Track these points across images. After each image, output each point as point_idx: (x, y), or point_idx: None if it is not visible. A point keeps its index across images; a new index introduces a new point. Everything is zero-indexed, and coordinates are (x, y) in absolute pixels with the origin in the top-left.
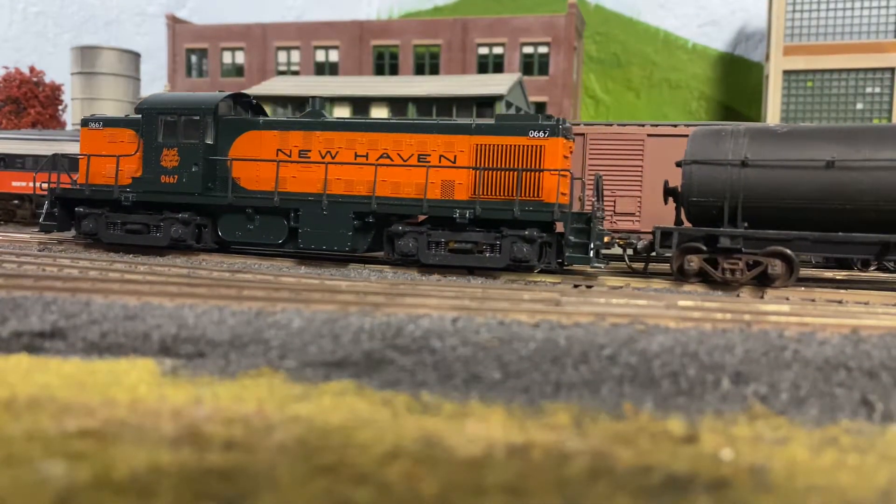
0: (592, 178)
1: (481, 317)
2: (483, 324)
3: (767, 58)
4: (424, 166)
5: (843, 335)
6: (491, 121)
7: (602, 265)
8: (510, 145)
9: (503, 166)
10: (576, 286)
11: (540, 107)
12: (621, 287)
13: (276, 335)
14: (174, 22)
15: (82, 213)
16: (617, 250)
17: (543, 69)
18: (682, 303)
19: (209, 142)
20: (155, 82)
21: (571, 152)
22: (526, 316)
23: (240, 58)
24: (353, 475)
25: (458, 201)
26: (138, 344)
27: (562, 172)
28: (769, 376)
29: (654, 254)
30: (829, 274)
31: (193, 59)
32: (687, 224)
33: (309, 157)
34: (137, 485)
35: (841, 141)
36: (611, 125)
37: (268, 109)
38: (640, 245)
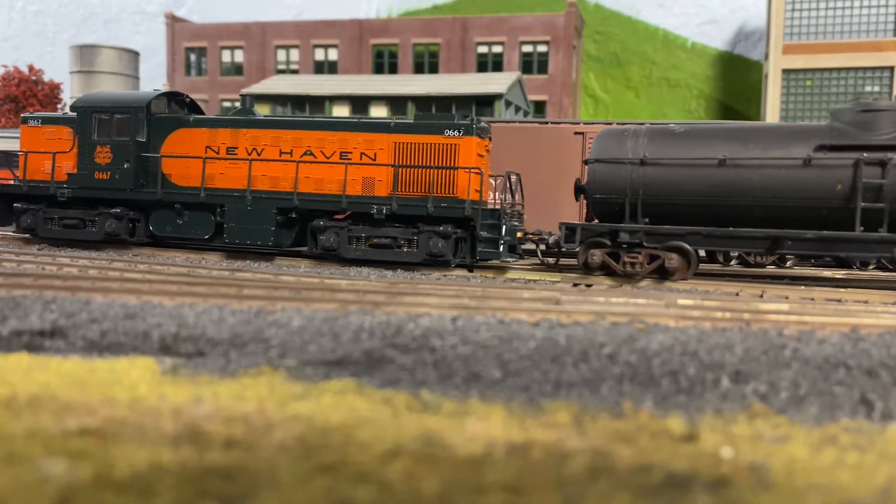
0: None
1: (481, 315)
2: (483, 322)
3: (767, 56)
4: (344, 163)
5: (843, 334)
6: (410, 120)
7: (513, 259)
8: (427, 144)
9: (420, 164)
10: (575, 285)
11: (539, 105)
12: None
13: (276, 334)
14: (173, 20)
15: (21, 208)
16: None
17: (543, 68)
18: (681, 301)
19: (141, 139)
20: (154, 81)
21: (488, 151)
22: (526, 315)
23: (239, 56)
24: (353, 474)
25: (377, 198)
26: (138, 343)
27: (473, 170)
28: (769, 375)
29: (563, 249)
30: (827, 273)
31: (192, 57)
32: (595, 220)
33: (236, 154)
34: (139, 483)
35: (732, 140)
36: (610, 124)
37: (267, 108)
38: (551, 240)
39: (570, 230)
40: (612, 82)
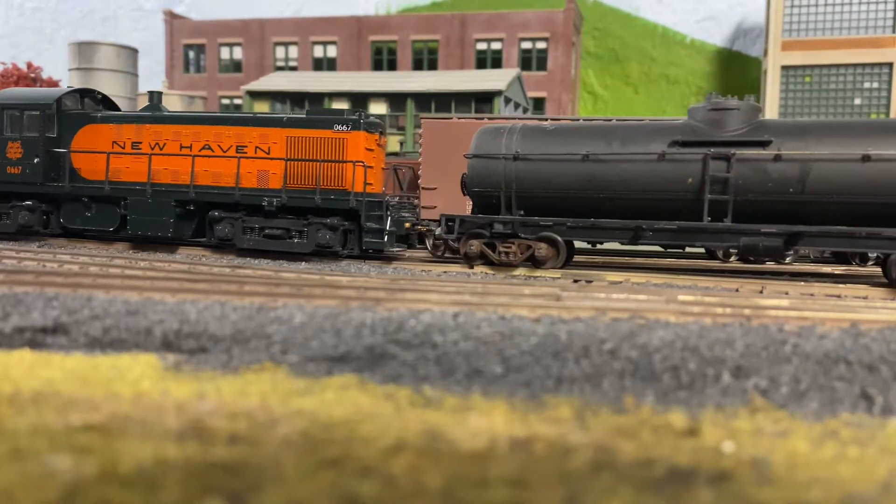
0: None
1: (482, 312)
2: (484, 318)
3: (766, 53)
4: (237, 157)
5: (843, 329)
6: (302, 115)
7: (399, 249)
8: (317, 138)
9: (310, 157)
10: (575, 281)
11: (538, 102)
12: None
13: (279, 330)
14: (172, 17)
15: None
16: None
17: (542, 64)
18: (682, 297)
19: (51, 135)
20: (152, 78)
21: (379, 145)
22: (527, 311)
23: (237, 53)
24: (357, 468)
25: (271, 190)
26: (140, 339)
27: (357, 163)
28: (769, 370)
29: (448, 239)
30: (827, 269)
31: (191, 54)
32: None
33: (140, 149)
34: (144, 478)
35: (596, 137)
36: (610, 120)
37: (266, 105)
38: (438, 231)
39: (449, 221)
40: (611, 79)
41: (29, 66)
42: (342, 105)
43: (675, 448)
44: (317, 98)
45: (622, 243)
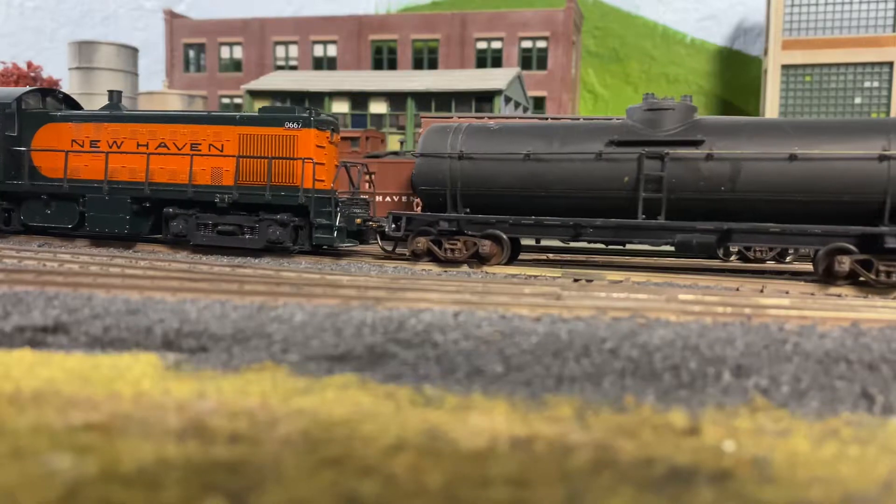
0: None
1: (483, 311)
2: (484, 318)
3: (766, 52)
4: (190, 154)
5: (843, 328)
6: (255, 113)
7: (351, 245)
8: (268, 135)
9: (262, 154)
10: (576, 280)
11: (539, 101)
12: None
13: (279, 329)
14: (172, 17)
15: None
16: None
17: (542, 64)
18: (682, 297)
19: (11, 133)
20: (152, 77)
21: (331, 142)
22: (527, 310)
23: (238, 52)
24: (358, 467)
25: (224, 187)
26: (141, 338)
27: (306, 160)
28: (770, 369)
29: (397, 236)
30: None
31: (191, 53)
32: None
33: (98, 147)
34: (144, 477)
35: (538, 136)
36: (610, 119)
37: (265, 104)
38: (388, 229)
39: (397, 219)
40: (611, 78)
41: (29, 65)
42: (343, 104)
43: (675, 447)
44: (317, 97)
45: (564, 241)
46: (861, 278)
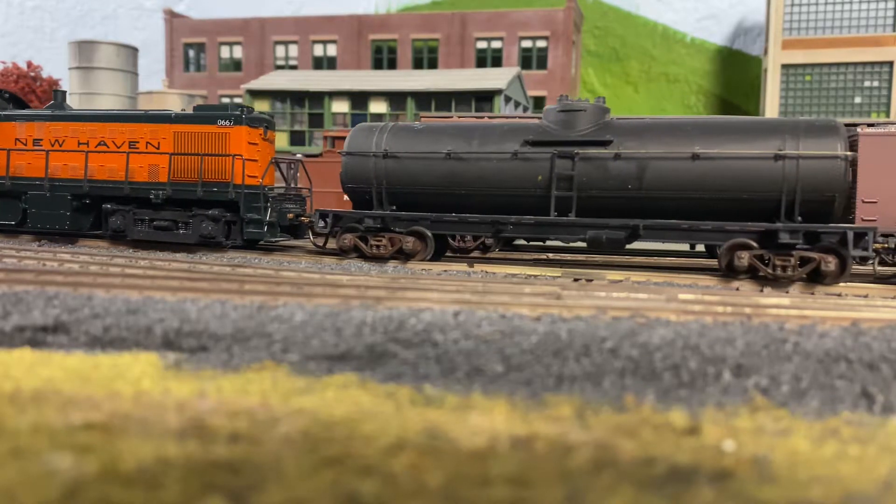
0: None
1: (483, 310)
2: (485, 317)
3: (766, 52)
4: (126, 152)
5: (844, 328)
6: (190, 111)
7: (283, 239)
8: (202, 133)
9: (196, 151)
10: (576, 280)
11: (539, 101)
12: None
13: (279, 329)
14: (171, 16)
15: None
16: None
17: (542, 63)
18: (682, 296)
19: None
20: (152, 77)
21: (265, 139)
22: (527, 309)
23: (237, 52)
24: (358, 467)
25: (159, 183)
26: (141, 338)
27: (236, 156)
28: (770, 369)
29: (326, 232)
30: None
31: (191, 53)
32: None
33: (41, 146)
34: (145, 477)
35: (458, 136)
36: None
37: (266, 104)
38: (316, 226)
39: (323, 216)
40: (611, 77)
41: (29, 64)
42: (343, 104)
43: (675, 447)
44: (317, 97)
45: (486, 237)
46: (760, 273)
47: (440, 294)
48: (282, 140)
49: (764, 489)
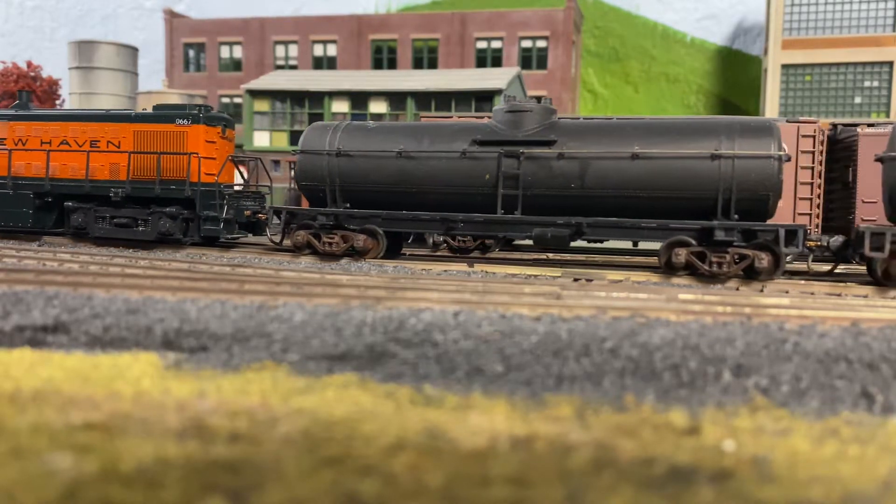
0: None
1: (482, 310)
2: (484, 317)
3: (766, 52)
4: (86, 151)
5: (843, 328)
6: (150, 111)
7: (240, 236)
8: (161, 132)
9: (154, 150)
10: (576, 280)
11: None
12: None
13: (279, 329)
14: (171, 16)
15: None
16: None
17: (542, 63)
18: (682, 296)
19: None
20: (152, 76)
21: (223, 138)
22: (527, 309)
23: (237, 52)
24: (358, 467)
25: (119, 181)
26: (141, 338)
27: (193, 154)
28: (770, 369)
29: (286, 229)
30: (827, 268)
31: (191, 53)
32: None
33: (5, 146)
34: (144, 477)
35: (409, 135)
36: (611, 119)
37: (266, 104)
38: (270, 222)
39: (278, 213)
40: (611, 77)
41: (29, 64)
42: (343, 104)
43: (675, 446)
44: (317, 97)
45: (437, 234)
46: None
47: (440, 294)
48: (282, 140)
49: (764, 489)
